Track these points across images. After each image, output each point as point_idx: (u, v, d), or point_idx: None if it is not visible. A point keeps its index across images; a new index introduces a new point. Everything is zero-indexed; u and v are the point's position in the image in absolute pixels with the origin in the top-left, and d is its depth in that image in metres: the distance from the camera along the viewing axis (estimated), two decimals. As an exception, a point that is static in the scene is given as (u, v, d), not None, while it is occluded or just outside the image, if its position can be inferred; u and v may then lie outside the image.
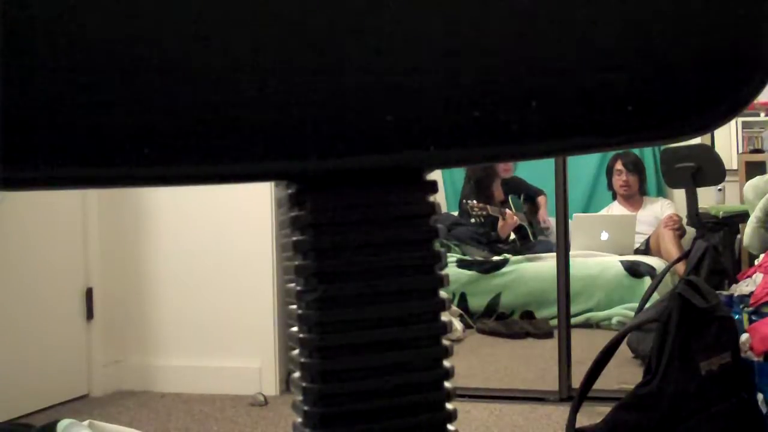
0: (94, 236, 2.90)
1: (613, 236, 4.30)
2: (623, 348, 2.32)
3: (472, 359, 3.20)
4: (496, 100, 0.41)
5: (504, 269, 4.10)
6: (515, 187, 4.88)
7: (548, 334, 3.59)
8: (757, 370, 1.74)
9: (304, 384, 0.44)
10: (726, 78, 0.43)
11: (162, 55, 0.37)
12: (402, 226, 0.44)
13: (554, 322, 3.11)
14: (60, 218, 2.79)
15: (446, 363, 0.46)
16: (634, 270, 3.91)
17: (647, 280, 3.76)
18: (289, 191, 0.44)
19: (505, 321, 3.91)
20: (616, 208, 4.65)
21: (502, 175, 4.79)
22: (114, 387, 2.90)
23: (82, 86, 0.36)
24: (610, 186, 4.74)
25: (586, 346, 2.73)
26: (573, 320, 2.93)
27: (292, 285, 0.45)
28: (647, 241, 4.39)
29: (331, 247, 0.43)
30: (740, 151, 5.03)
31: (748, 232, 2.97)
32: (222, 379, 2.80)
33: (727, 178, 4.00)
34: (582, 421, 1.88)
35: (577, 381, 2.29)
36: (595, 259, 4.06)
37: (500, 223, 4.53)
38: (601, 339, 2.09)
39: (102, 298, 2.90)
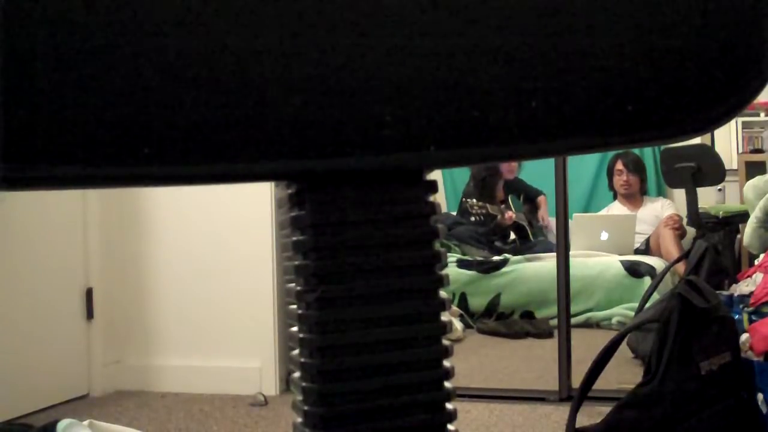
0: (94, 236, 2.90)
1: (613, 236, 4.30)
2: (623, 348, 2.31)
3: (472, 359, 3.20)
4: (496, 100, 0.41)
5: (504, 269, 4.10)
6: (515, 187, 4.89)
7: (548, 334, 3.58)
8: (757, 370, 1.74)
9: (304, 384, 0.44)
10: (726, 78, 0.43)
11: (162, 55, 0.37)
12: (402, 226, 0.44)
13: (554, 322, 3.11)
14: (60, 218, 2.79)
15: (446, 363, 0.46)
16: (634, 270, 3.91)
17: (647, 280, 3.75)
18: (289, 191, 0.44)
19: (505, 321, 3.91)
20: (616, 208, 4.65)
21: (506, 176, 4.80)
22: (114, 387, 2.90)
23: (82, 86, 0.36)
24: (610, 186, 4.74)
25: (586, 346, 2.73)
26: (573, 320, 2.93)
27: (292, 285, 0.45)
28: (647, 240, 4.39)
29: (331, 247, 0.43)
30: (740, 151, 5.03)
31: (748, 232, 2.97)
32: (222, 379, 2.80)
33: (727, 178, 4.01)
34: (582, 420, 1.88)
35: (577, 381, 2.28)
36: (595, 259, 4.06)
37: (499, 218, 4.55)
38: (601, 339, 2.09)
39: (102, 298, 2.90)
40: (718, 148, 4.28)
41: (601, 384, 1.88)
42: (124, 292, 2.93)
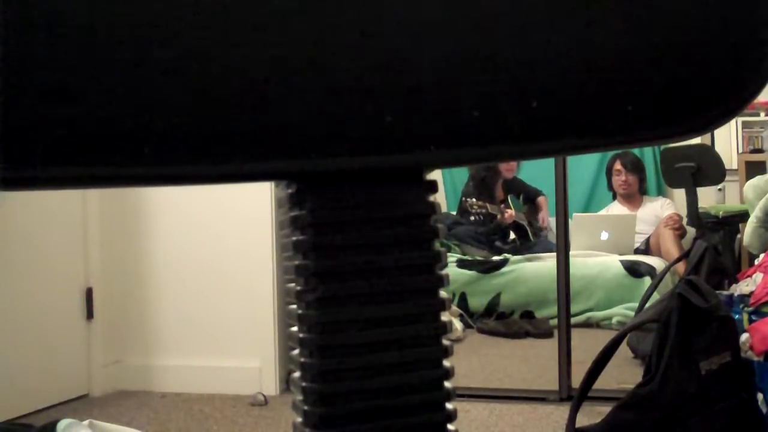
0: (94, 236, 2.90)
1: (613, 236, 4.30)
2: (623, 348, 2.32)
3: (472, 359, 3.20)
4: (496, 100, 0.41)
5: (504, 269, 4.10)
6: (515, 187, 4.89)
7: (548, 334, 3.58)
8: (757, 370, 1.74)
9: (304, 384, 0.44)
10: (726, 78, 0.43)
11: (162, 54, 0.37)
12: (402, 226, 0.44)
13: (554, 321, 3.11)
14: (60, 218, 2.79)
15: (446, 363, 0.46)
16: (634, 270, 3.91)
17: (647, 280, 3.75)
18: (289, 191, 0.44)
19: (505, 321, 3.91)
20: (616, 208, 4.65)
21: (504, 176, 4.80)
22: (114, 387, 2.90)
23: (82, 86, 0.36)
24: (610, 186, 4.74)
25: (586, 346, 2.73)
26: (573, 320, 2.93)
27: (292, 285, 0.45)
28: (647, 240, 4.39)
29: (331, 247, 0.43)
30: (740, 151, 5.03)
31: (748, 231, 2.97)
32: (222, 379, 2.80)
33: (727, 178, 4.01)
34: (582, 420, 1.88)
35: (577, 381, 2.28)
36: (595, 259, 4.06)
37: (499, 217, 4.56)
38: (601, 339, 2.09)
39: (102, 298, 2.90)
40: (718, 148, 4.28)
41: (601, 384, 1.88)
42: (124, 292, 2.93)
